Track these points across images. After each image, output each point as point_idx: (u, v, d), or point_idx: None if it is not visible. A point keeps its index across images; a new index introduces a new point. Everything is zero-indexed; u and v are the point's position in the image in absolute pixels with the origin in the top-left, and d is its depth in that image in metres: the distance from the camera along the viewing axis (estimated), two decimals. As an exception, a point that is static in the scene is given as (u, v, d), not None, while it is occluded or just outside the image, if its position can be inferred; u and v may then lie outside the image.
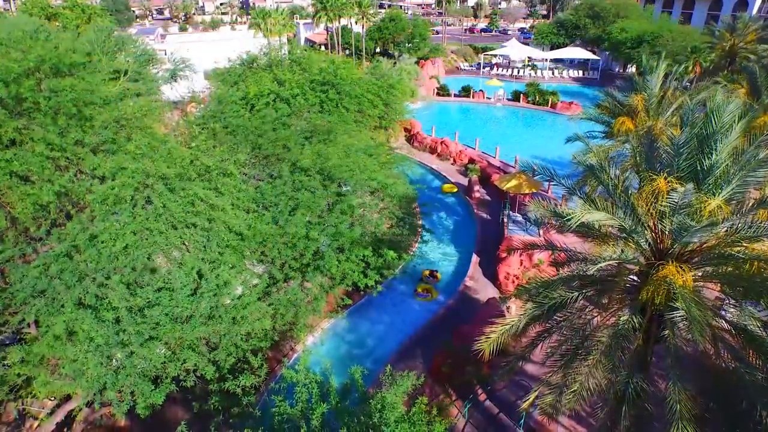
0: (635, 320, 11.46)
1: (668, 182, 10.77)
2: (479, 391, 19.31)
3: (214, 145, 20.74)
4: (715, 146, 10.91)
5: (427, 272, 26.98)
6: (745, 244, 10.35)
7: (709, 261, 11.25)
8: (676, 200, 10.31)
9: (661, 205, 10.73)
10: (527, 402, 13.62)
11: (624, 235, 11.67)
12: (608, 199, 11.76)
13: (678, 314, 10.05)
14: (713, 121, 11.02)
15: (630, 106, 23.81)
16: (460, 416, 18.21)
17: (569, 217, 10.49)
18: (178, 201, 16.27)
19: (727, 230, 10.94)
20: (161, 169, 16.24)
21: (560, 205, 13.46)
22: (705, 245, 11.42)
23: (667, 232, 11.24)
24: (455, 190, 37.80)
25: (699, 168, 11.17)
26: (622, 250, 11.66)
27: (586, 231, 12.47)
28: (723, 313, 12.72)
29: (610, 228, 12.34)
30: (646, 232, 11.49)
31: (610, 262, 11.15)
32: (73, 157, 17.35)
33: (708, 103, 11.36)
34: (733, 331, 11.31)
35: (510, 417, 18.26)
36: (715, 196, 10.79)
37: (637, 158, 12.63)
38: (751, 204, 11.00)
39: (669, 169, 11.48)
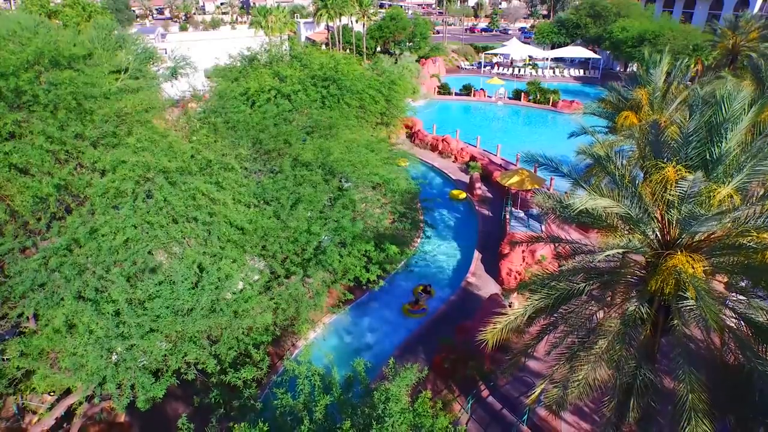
0: (642, 311, 11.30)
1: (677, 171, 10.62)
2: (482, 387, 19.15)
3: (215, 139, 20.61)
4: (725, 134, 10.76)
5: (420, 288, 25.46)
6: (754, 234, 10.19)
7: (717, 251, 11.08)
8: (685, 189, 10.16)
9: (670, 195, 10.58)
10: (533, 396, 13.45)
11: (630, 225, 11.51)
12: (614, 190, 11.60)
13: (688, 304, 9.89)
14: (723, 109, 10.87)
15: (634, 100, 23.67)
16: (463, 412, 18.05)
17: (575, 201, 10.32)
18: (179, 195, 16.14)
19: (735, 220, 10.80)
20: (162, 163, 16.10)
21: (564, 199, 13.27)
22: (713, 235, 11.27)
23: (674, 222, 11.09)
24: (463, 196, 36.13)
25: (708, 157, 11.03)
26: (629, 240, 11.50)
27: (591, 221, 12.32)
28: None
29: (616, 219, 12.19)
30: (653, 222, 11.34)
31: (617, 251, 10.99)
32: (73, 151, 17.24)
33: (717, 91, 11.21)
34: (742, 324, 11.16)
35: (513, 413, 18.10)
36: (724, 185, 10.62)
37: (644, 149, 12.47)
38: (761, 194, 10.84)
39: (677, 158, 11.33)
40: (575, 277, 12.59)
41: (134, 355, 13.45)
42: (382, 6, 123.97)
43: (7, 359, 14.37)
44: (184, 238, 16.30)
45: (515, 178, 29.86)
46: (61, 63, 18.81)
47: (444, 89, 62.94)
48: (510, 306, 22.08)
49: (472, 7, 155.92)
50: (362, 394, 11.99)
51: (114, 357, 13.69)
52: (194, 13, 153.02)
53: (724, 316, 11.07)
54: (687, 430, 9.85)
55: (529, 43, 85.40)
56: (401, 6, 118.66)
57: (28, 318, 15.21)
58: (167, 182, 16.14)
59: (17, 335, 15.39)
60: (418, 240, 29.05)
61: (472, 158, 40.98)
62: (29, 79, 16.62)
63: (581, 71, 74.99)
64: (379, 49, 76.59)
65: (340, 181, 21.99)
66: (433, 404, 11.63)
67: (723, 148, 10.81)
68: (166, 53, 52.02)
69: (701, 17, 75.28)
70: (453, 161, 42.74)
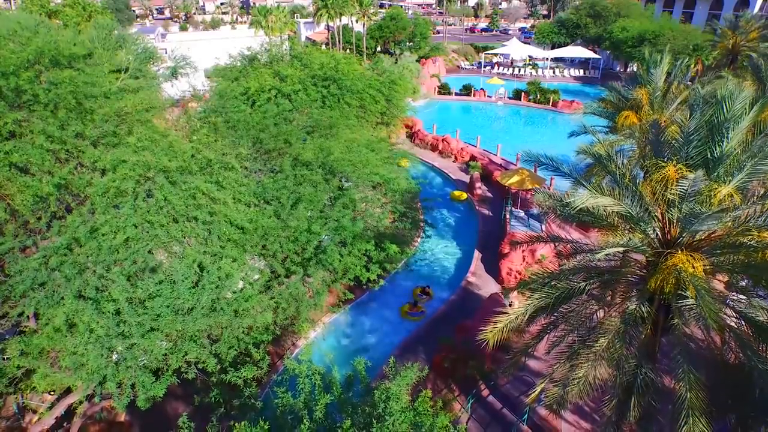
0: (643, 310, 11.30)
1: (677, 170, 10.62)
2: (482, 387, 19.15)
3: (215, 139, 20.62)
4: (726, 134, 10.76)
5: (418, 289, 25.29)
6: (755, 233, 10.19)
7: (717, 250, 11.08)
8: (685, 188, 10.16)
9: (670, 193, 10.58)
10: (533, 395, 13.45)
11: (631, 224, 11.52)
12: (615, 189, 11.60)
13: (688, 302, 9.89)
14: (724, 109, 10.88)
15: (634, 100, 23.66)
16: (463, 411, 18.05)
17: (577, 199, 10.32)
18: (180, 194, 16.13)
19: (735, 219, 10.81)
20: (162, 162, 16.10)
21: (565, 198, 13.27)
22: (713, 234, 11.28)
23: (675, 221, 11.10)
24: (465, 197, 35.90)
25: (709, 156, 11.03)
26: (629, 239, 11.51)
27: (591, 220, 12.32)
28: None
29: (617, 218, 12.19)
30: (653, 221, 11.34)
31: (617, 250, 10.99)
32: (73, 150, 17.24)
33: (718, 91, 11.22)
34: (743, 323, 11.16)
35: (513, 412, 18.10)
36: (725, 184, 10.63)
37: (645, 148, 12.48)
38: (762, 193, 10.84)
39: (678, 157, 11.34)
40: (576, 276, 12.59)
41: (135, 354, 13.45)
42: (382, 6, 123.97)
43: (7, 358, 14.37)
44: (185, 238, 16.30)
45: (515, 178, 29.86)
46: (62, 62, 18.82)
47: (444, 89, 62.95)
48: (510, 305, 22.08)
49: (472, 7, 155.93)
50: (363, 393, 11.99)
51: (114, 356, 13.69)
52: (194, 13, 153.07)
53: (724, 315, 11.08)
54: (684, 428, 9.86)
55: (529, 43, 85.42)
56: (401, 6, 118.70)
57: (28, 317, 15.21)
58: (167, 181, 16.13)
59: (18, 334, 15.38)
60: (419, 239, 29.06)
61: (473, 158, 40.99)
62: (29, 78, 16.63)
63: (581, 71, 74.99)
64: (379, 49, 76.62)
65: (341, 181, 21.99)
66: (433, 403, 11.63)
67: (724, 147, 10.82)
68: (166, 53, 52.10)
69: (701, 17, 75.30)
70: (453, 161, 42.75)
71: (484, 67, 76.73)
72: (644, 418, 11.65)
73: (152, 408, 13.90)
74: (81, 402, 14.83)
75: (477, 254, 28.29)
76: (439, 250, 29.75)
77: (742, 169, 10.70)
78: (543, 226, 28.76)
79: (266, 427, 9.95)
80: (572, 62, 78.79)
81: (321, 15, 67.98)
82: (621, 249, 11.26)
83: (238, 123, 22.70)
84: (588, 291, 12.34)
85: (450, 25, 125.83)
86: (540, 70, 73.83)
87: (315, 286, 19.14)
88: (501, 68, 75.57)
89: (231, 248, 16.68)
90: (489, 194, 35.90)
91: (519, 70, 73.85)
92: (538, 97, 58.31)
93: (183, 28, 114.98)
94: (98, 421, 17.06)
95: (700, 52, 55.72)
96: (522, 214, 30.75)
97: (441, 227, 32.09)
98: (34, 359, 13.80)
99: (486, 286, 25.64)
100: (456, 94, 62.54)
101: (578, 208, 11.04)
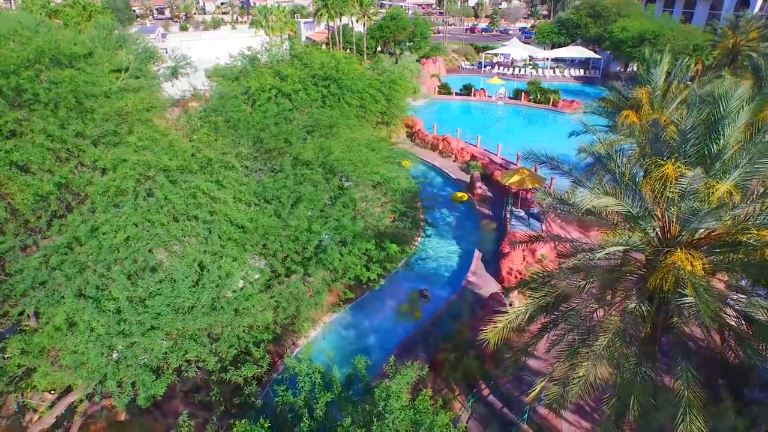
0: (643, 308, 11.32)
1: (676, 168, 10.64)
2: (482, 386, 19.16)
3: (215, 138, 20.62)
4: (724, 131, 10.78)
5: (416, 293, 25.30)
6: (754, 231, 10.20)
7: (717, 249, 11.09)
8: (684, 185, 10.18)
9: (670, 192, 10.60)
10: (533, 394, 13.46)
11: (631, 222, 11.53)
12: (615, 188, 11.62)
13: (687, 300, 9.90)
14: (721, 106, 10.89)
15: (634, 99, 23.69)
16: (463, 410, 18.06)
17: (580, 199, 10.36)
18: (180, 193, 16.14)
19: (734, 218, 10.82)
20: (163, 161, 16.11)
21: (565, 197, 13.28)
22: (713, 233, 11.29)
23: (674, 220, 11.11)
24: (466, 198, 35.73)
25: (707, 153, 11.05)
26: (629, 237, 11.52)
27: (592, 219, 12.33)
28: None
29: (617, 217, 12.21)
30: (653, 219, 11.36)
31: (617, 249, 11.00)
32: (73, 149, 17.26)
33: (716, 89, 11.24)
34: (742, 322, 11.18)
35: (513, 412, 18.11)
36: (723, 181, 10.64)
37: (645, 147, 12.50)
38: (761, 191, 10.85)
39: (676, 155, 11.35)
40: (576, 275, 12.61)
41: (135, 352, 13.46)
42: (382, 6, 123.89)
43: (8, 357, 14.38)
44: (185, 237, 16.31)
45: (516, 177, 29.88)
46: (62, 62, 18.85)
47: (444, 89, 62.97)
48: (510, 305, 22.10)
49: (473, 7, 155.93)
50: (363, 391, 12.01)
51: (115, 355, 13.71)
52: (194, 13, 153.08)
53: (724, 315, 11.09)
54: (681, 426, 9.88)
55: (529, 43, 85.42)
56: (401, 6, 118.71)
57: (29, 316, 15.21)
58: (168, 181, 16.15)
59: (18, 333, 15.39)
60: (419, 239, 29.08)
61: (473, 158, 41.02)
62: (30, 77, 16.65)
63: (581, 71, 74.95)
64: (379, 48, 76.64)
65: (341, 180, 22.01)
66: (433, 402, 11.64)
67: (721, 144, 10.84)
68: (166, 53, 52.19)
69: (701, 17, 75.30)
70: (453, 161, 42.76)
71: (485, 67, 76.74)
72: (644, 416, 11.66)
73: (153, 404, 13.91)
74: (81, 401, 14.83)
75: (477, 253, 28.31)
76: (439, 250, 29.76)
77: (739, 166, 10.72)
78: (543, 226, 28.79)
79: (266, 425, 9.97)
80: (572, 62, 78.76)
81: (321, 15, 68.01)
82: (621, 248, 11.27)
83: (239, 122, 22.72)
84: (588, 290, 12.36)
85: (450, 25, 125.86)
86: (540, 70, 73.82)
87: (315, 285, 19.16)
88: (501, 68, 75.59)
89: (231, 247, 16.69)
90: (489, 194, 35.91)
91: (519, 70, 73.84)
92: (539, 96, 58.31)
93: (183, 28, 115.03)
94: (99, 420, 17.06)
95: (700, 52, 55.76)
96: (522, 213, 30.78)
97: (441, 226, 32.11)
98: (35, 358, 13.81)
99: (486, 285, 25.65)
100: (456, 93, 62.56)
101: (585, 208, 11.05)
